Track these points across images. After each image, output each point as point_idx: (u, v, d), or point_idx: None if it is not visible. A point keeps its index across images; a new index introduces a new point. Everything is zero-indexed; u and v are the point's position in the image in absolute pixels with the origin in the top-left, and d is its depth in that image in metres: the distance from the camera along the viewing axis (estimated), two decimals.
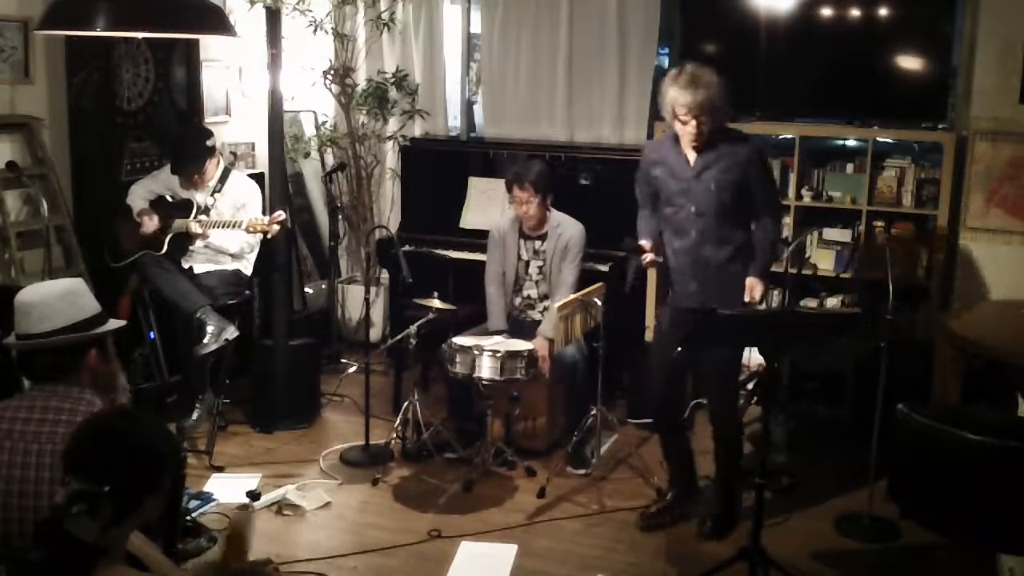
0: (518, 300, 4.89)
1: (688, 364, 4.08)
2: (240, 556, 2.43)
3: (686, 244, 3.83)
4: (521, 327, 4.80)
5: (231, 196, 4.99)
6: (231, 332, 4.68)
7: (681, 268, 3.87)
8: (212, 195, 4.96)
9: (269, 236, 4.79)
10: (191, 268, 4.91)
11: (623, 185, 5.52)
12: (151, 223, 4.87)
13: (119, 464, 1.95)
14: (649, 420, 5.02)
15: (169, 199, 4.99)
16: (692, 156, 3.79)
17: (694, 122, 3.66)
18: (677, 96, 3.65)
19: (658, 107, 3.87)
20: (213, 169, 4.99)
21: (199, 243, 4.87)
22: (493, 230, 4.93)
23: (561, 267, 4.74)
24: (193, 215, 4.89)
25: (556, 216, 4.80)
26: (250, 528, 2.49)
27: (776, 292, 5.09)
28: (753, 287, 3.76)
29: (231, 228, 4.77)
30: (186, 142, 5.02)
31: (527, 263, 4.85)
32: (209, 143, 4.96)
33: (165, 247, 4.85)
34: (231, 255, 4.99)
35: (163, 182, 5.03)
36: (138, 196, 4.99)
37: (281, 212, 4.78)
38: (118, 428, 2.04)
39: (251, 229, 4.69)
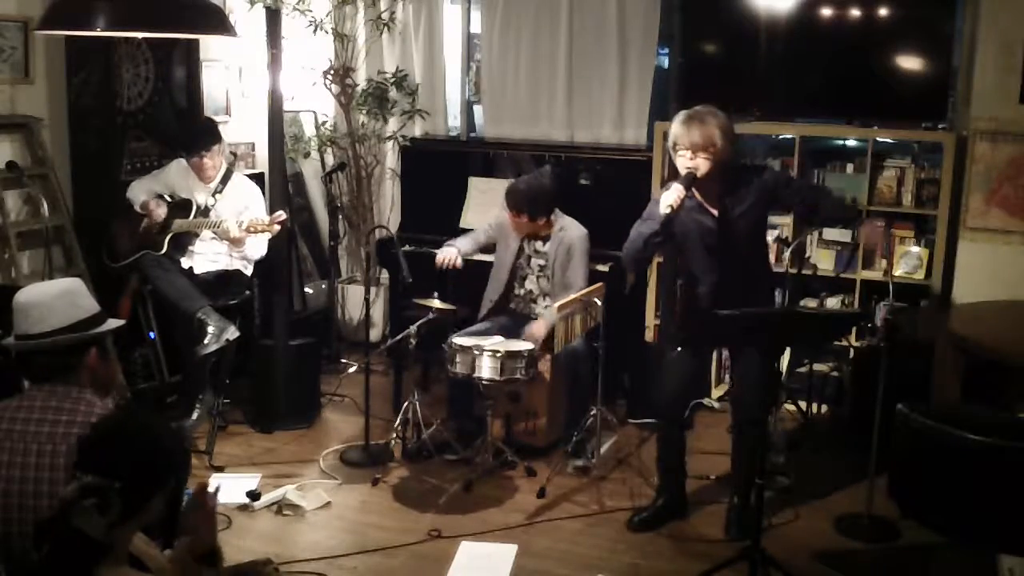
0: (520, 292, 4.89)
1: (706, 363, 4.10)
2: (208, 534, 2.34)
3: (712, 281, 3.87)
4: (523, 321, 4.80)
5: (232, 199, 4.99)
6: (232, 332, 4.67)
7: (707, 300, 3.90)
8: (213, 195, 4.97)
9: (270, 236, 4.80)
10: (191, 268, 4.91)
11: (623, 185, 5.56)
12: (159, 211, 4.87)
13: (132, 463, 1.96)
14: (650, 420, 5.04)
15: (168, 198, 5.00)
16: (713, 207, 3.82)
17: (689, 153, 3.70)
18: (676, 131, 3.73)
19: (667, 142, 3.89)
20: (219, 160, 5.01)
21: (234, 252, 4.90)
22: (499, 218, 4.92)
23: (567, 270, 4.73)
24: (192, 215, 4.89)
25: (562, 220, 4.79)
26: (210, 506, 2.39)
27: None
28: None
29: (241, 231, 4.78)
30: (195, 125, 5.16)
31: (529, 257, 4.85)
32: (217, 128, 5.05)
33: (165, 247, 4.86)
34: (252, 259, 5.01)
35: (163, 181, 5.03)
36: (139, 191, 4.99)
37: (282, 212, 4.78)
38: (133, 427, 2.06)
39: (252, 229, 4.69)
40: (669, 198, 3.65)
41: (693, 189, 3.76)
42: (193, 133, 5.04)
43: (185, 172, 5.02)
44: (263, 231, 4.71)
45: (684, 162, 3.72)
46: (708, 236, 3.83)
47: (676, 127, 3.73)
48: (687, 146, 3.69)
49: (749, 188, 3.82)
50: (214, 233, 4.86)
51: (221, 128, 5.18)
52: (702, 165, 3.69)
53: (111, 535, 1.89)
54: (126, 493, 1.90)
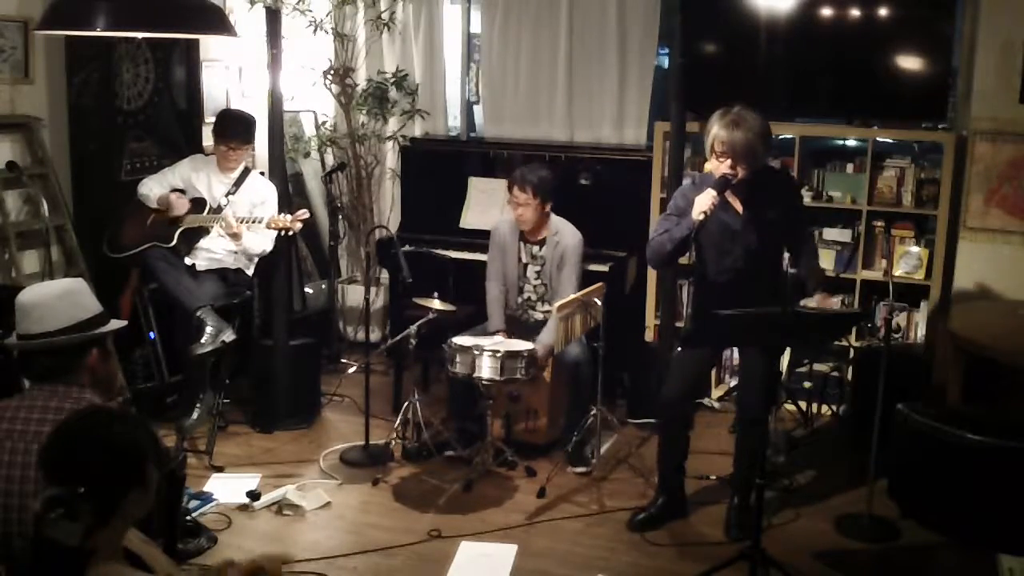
0: (519, 300, 4.90)
1: (714, 361, 4.08)
2: None
3: (730, 278, 3.85)
4: (523, 327, 4.80)
5: (247, 194, 5.01)
6: (228, 335, 4.68)
7: (720, 296, 3.87)
8: (227, 196, 4.97)
9: (291, 234, 4.83)
10: (194, 266, 4.91)
11: (623, 185, 5.57)
12: (181, 204, 4.88)
13: (91, 463, 1.92)
14: (650, 420, 5.05)
15: (181, 193, 5.01)
16: (739, 205, 3.81)
17: (729, 160, 3.67)
18: (718, 132, 3.68)
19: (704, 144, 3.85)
20: (244, 156, 5.04)
21: (234, 245, 4.88)
22: (494, 230, 4.93)
23: (560, 275, 4.73)
24: (207, 212, 4.90)
25: (556, 223, 4.79)
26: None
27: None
28: (825, 303, 3.76)
29: (251, 224, 4.78)
30: (241, 114, 5.18)
31: (525, 266, 4.85)
32: (254, 130, 5.10)
33: (175, 240, 4.86)
34: (255, 255, 5.01)
35: (179, 173, 5.05)
36: (154, 186, 4.98)
37: (305, 211, 4.81)
38: (86, 427, 2.01)
39: (272, 226, 4.70)
40: (703, 204, 3.61)
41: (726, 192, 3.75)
42: (233, 122, 5.05)
43: (204, 163, 5.06)
44: (284, 228, 4.71)
45: (722, 167, 3.68)
46: (729, 234, 3.81)
47: (717, 129, 3.67)
48: (729, 154, 3.65)
49: (776, 193, 3.82)
50: (221, 229, 4.86)
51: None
52: (740, 172, 3.67)
53: (91, 539, 1.87)
54: (93, 496, 1.87)
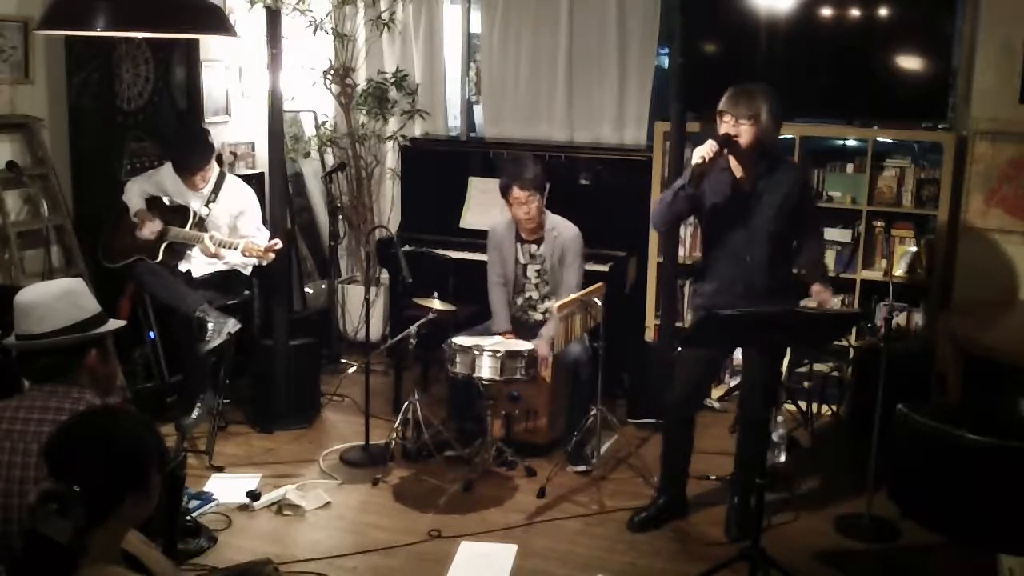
0: (519, 301, 4.89)
1: (720, 362, 4.07)
2: None
3: (734, 259, 3.85)
4: (523, 327, 4.80)
5: (227, 203, 4.98)
6: (232, 325, 4.67)
7: (725, 287, 3.88)
8: (207, 204, 4.94)
9: (264, 263, 4.77)
10: (189, 271, 4.89)
11: (623, 185, 5.57)
12: (153, 226, 4.84)
13: (92, 463, 1.92)
14: (650, 420, 5.05)
15: (165, 202, 4.98)
16: (746, 181, 3.81)
17: (732, 119, 3.70)
18: (723, 103, 3.73)
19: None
20: (211, 173, 4.98)
21: (220, 263, 4.88)
22: (491, 232, 4.92)
23: (562, 271, 4.73)
24: (190, 224, 4.88)
25: (551, 219, 4.79)
26: None
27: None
28: (822, 295, 3.84)
29: (228, 248, 4.76)
30: (193, 140, 5.04)
31: (525, 266, 4.85)
32: (211, 140, 5.01)
33: (160, 255, 4.83)
34: (248, 265, 4.99)
35: (157, 183, 5.01)
36: (134, 194, 4.96)
37: (277, 240, 4.76)
38: (92, 426, 2.00)
39: (247, 253, 4.68)
40: (703, 150, 3.66)
41: (729, 156, 3.76)
42: (189, 152, 4.92)
43: (176, 178, 5.00)
44: (257, 256, 4.69)
45: (726, 128, 3.72)
46: (731, 207, 3.80)
47: (724, 99, 3.74)
48: (732, 114, 3.70)
49: (784, 179, 3.81)
50: (202, 253, 4.84)
51: (221, 128, 5.18)
52: (744, 133, 3.69)
53: (82, 538, 1.86)
54: (88, 496, 1.86)
